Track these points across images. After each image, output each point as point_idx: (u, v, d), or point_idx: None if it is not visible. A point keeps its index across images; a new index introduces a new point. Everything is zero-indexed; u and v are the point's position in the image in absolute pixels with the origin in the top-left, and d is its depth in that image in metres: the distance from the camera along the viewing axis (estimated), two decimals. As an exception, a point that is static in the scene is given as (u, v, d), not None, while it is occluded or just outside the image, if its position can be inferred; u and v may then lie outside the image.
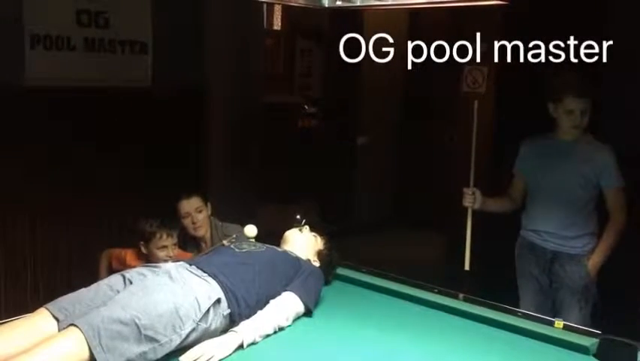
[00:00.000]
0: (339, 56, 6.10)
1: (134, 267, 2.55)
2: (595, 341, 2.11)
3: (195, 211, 3.13)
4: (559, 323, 2.25)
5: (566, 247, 2.99)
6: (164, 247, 2.92)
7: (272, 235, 2.70)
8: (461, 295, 2.53)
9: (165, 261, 2.76)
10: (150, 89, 4.09)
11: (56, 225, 3.70)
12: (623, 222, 2.93)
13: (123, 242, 3.16)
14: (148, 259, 2.89)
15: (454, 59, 4.16)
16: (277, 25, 8.20)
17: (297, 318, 2.23)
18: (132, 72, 4.05)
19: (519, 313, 2.36)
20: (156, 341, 1.83)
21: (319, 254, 2.58)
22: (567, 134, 2.97)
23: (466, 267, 3.04)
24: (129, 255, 3.04)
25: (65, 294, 2.00)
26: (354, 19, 6.04)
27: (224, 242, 2.62)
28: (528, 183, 3.13)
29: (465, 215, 3.12)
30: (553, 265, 3.04)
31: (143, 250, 2.96)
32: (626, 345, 2.06)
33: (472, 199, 3.06)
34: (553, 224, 3.01)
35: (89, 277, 2.95)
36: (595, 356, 2.08)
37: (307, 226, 2.66)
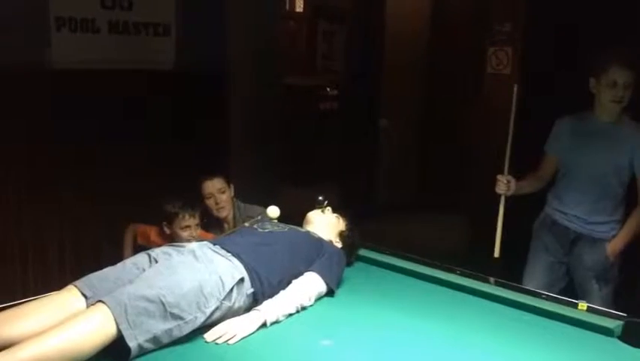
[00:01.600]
0: (362, 37, 6.07)
1: (159, 244, 2.60)
2: (619, 323, 2.10)
3: (218, 192, 3.15)
4: (582, 305, 2.24)
5: (591, 230, 2.96)
6: (187, 227, 2.95)
7: (293, 218, 2.71)
8: (483, 277, 2.52)
9: (188, 241, 2.80)
10: (173, 70, 4.11)
11: (83, 202, 3.76)
12: None
13: (148, 219, 3.20)
14: (172, 239, 2.92)
15: (478, 39, 4.12)
16: (299, 6, 8.17)
17: (320, 298, 2.25)
18: (155, 54, 4.07)
19: (543, 296, 2.35)
20: (181, 318, 1.86)
21: (341, 235, 2.59)
22: (606, 112, 2.86)
23: (496, 254, 2.98)
24: (154, 232, 3.08)
25: (92, 271, 2.04)
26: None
27: (246, 223, 2.64)
28: (560, 162, 3.04)
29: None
30: (574, 245, 3.01)
31: (167, 230, 3.00)
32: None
33: (505, 187, 2.97)
34: (583, 208, 2.95)
35: (116, 253, 3.03)
36: (619, 338, 2.07)
37: (329, 207, 2.67)
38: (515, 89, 2.93)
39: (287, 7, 7.65)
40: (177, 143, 4.07)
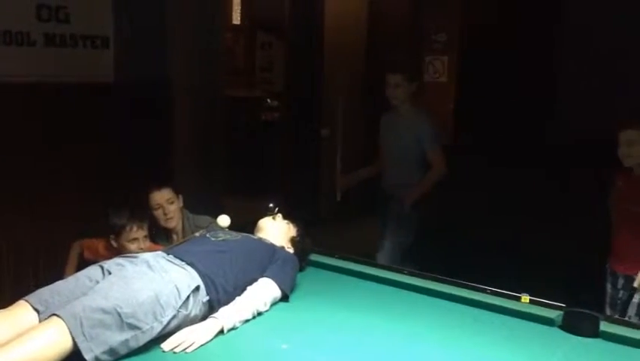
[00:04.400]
0: (300, 48, 6.14)
1: (108, 257, 2.55)
2: (560, 313, 2.22)
3: (167, 203, 3.12)
4: (525, 298, 2.35)
5: (397, 191, 3.76)
6: (135, 239, 2.90)
7: (241, 228, 2.71)
8: (429, 276, 2.60)
9: (136, 253, 2.78)
10: (113, 83, 4.06)
11: (22, 218, 3.65)
12: (441, 173, 3.71)
13: (92, 235, 3.14)
14: (120, 253, 2.88)
15: (415, 49, 4.29)
16: (236, 19, 8.19)
17: (275, 303, 2.28)
18: (94, 67, 4.01)
19: (488, 291, 2.44)
20: (138, 328, 1.85)
21: (293, 241, 2.63)
22: (396, 106, 3.75)
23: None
24: (102, 246, 3.01)
25: (30, 286, 2.00)
26: (313, 11, 6.09)
27: (197, 233, 2.64)
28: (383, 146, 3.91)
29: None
30: (390, 205, 3.78)
31: (114, 243, 2.94)
32: (589, 316, 2.18)
33: (343, 186, 3.93)
34: (391, 174, 3.82)
35: (57, 269, 2.95)
36: (560, 327, 2.19)
37: (280, 214, 2.70)
38: (340, 100, 3.96)
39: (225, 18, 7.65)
40: (119, 155, 4.01)
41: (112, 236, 2.92)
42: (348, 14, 6.34)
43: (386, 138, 3.86)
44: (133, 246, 2.88)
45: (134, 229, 2.88)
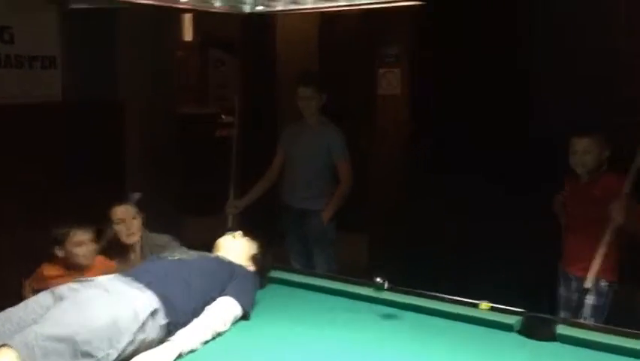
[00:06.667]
0: (254, 65, 6.12)
1: (56, 276, 2.47)
2: (519, 318, 2.25)
3: (130, 218, 3.06)
4: (485, 305, 2.37)
5: (309, 204, 3.76)
6: (81, 242, 2.79)
7: (198, 247, 2.67)
8: (387, 286, 2.59)
9: (85, 257, 2.76)
10: (62, 103, 3.97)
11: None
12: (349, 185, 3.76)
13: (43, 258, 3.03)
14: (67, 263, 2.78)
15: (368, 63, 4.34)
16: (188, 36, 8.12)
17: (235, 322, 2.24)
18: (42, 87, 3.92)
19: (446, 299, 2.46)
20: (92, 356, 1.80)
21: (254, 258, 2.60)
22: (307, 118, 3.81)
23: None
24: (45, 267, 2.86)
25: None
26: (266, 27, 6.10)
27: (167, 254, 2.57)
28: (286, 157, 3.89)
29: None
30: (303, 220, 3.80)
31: (59, 253, 2.81)
32: (546, 320, 2.22)
33: (233, 210, 3.86)
34: (301, 187, 3.79)
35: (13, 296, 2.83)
36: (519, 332, 2.22)
37: (240, 232, 2.68)
38: (236, 99, 3.97)
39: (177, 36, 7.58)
40: (71, 176, 3.91)
41: (57, 247, 2.80)
42: (299, 31, 6.37)
43: (294, 150, 3.84)
44: (80, 250, 2.78)
45: (78, 232, 2.78)
